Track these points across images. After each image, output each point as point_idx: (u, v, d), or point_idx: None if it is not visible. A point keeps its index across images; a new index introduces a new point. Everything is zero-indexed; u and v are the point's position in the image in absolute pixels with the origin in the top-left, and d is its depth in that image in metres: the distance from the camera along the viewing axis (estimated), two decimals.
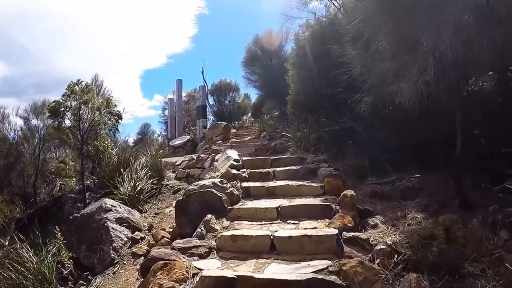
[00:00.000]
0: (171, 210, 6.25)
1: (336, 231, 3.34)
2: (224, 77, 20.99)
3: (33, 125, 9.52)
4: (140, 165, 7.71)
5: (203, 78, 20.31)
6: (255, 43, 13.06)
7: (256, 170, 5.67)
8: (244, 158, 6.31)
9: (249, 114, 22.27)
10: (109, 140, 8.73)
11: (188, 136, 13.75)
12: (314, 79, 7.49)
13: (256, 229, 3.67)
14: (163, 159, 11.21)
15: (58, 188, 10.76)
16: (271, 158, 6.33)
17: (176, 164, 8.67)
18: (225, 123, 12.49)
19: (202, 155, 7.89)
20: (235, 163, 5.74)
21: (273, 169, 5.84)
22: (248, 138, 12.31)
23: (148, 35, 47.58)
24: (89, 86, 7.69)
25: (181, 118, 15.01)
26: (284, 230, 3.56)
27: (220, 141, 11.71)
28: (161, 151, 14.45)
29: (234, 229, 3.76)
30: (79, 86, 7.60)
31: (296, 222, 3.79)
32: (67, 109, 7.31)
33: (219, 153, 7.52)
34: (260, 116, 17.23)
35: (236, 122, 20.39)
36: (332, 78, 7.20)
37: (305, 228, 3.53)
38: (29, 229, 8.57)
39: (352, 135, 6.46)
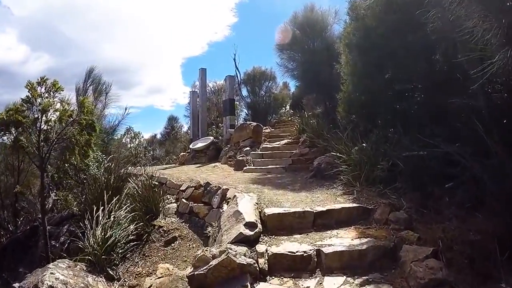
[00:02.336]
0: (152, 285, 3.95)
1: None
2: (258, 65, 18.31)
3: None
4: (125, 197, 5.49)
5: (235, 66, 17.90)
6: (293, 22, 10.24)
7: (286, 248, 3.04)
8: (268, 212, 3.63)
9: (288, 106, 19.54)
10: (93, 154, 6.52)
11: (212, 138, 11.41)
12: (383, 67, 4.71)
13: None
14: (176, 170, 9.01)
15: (50, 205, 8.92)
16: (314, 210, 3.64)
17: (181, 189, 6.32)
18: (254, 124, 9.94)
19: (212, 185, 5.45)
20: (247, 231, 3.14)
21: (317, 237, 3.24)
22: (284, 142, 9.73)
23: (189, 24, 48.12)
24: (57, 85, 5.43)
25: (205, 115, 12.62)
26: None
27: (248, 148, 9.26)
28: (182, 153, 12.36)
29: None
30: (44, 85, 5.39)
31: None
32: (21, 121, 5.12)
33: (233, 190, 5.07)
34: (300, 110, 14.76)
35: (273, 116, 17.78)
36: (414, 68, 4.43)
37: None
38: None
39: (452, 171, 3.73)
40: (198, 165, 10.13)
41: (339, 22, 9.52)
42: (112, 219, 4.77)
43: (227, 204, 4.33)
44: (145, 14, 49.46)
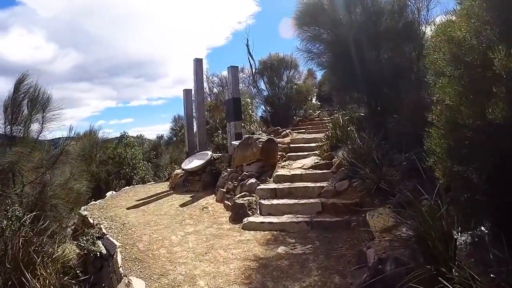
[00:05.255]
0: None
1: None
2: (275, 51, 14.87)
3: None
4: None
5: (249, 52, 14.49)
6: None
7: None
8: None
9: (314, 97, 16.12)
10: None
11: (210, 153, 8.28)
12: None
13: None
14: (153, 208, 5.98)
15: None
16: None
17: None
18: (264, 139, 6.72)
19: None
20: None
21: None
22: (309, 162, 6.64)
23: (212, 15, 47.12)
24: None
25: (203, 120, 9.41)
26: None
27: (254, 180, 6.14)
28: (176, 172, 9.36)
29: None
30: None
31: None
32: None
33: None
34: (330, 102, 11.71)
35: (296, 111, 14.44)
36: None
37: None
38: None
39: None
40: (188, 196, 7.12)
41: None
42: None
43: None
44: (168, 6, 48.64)
